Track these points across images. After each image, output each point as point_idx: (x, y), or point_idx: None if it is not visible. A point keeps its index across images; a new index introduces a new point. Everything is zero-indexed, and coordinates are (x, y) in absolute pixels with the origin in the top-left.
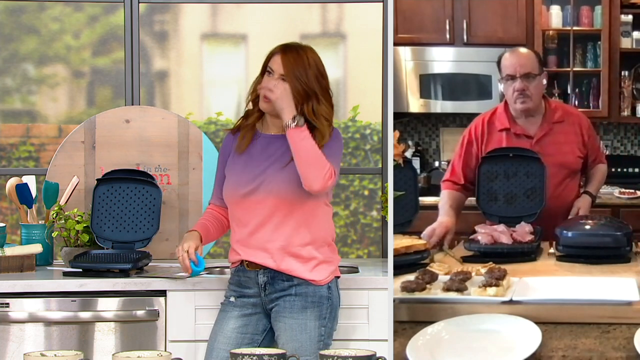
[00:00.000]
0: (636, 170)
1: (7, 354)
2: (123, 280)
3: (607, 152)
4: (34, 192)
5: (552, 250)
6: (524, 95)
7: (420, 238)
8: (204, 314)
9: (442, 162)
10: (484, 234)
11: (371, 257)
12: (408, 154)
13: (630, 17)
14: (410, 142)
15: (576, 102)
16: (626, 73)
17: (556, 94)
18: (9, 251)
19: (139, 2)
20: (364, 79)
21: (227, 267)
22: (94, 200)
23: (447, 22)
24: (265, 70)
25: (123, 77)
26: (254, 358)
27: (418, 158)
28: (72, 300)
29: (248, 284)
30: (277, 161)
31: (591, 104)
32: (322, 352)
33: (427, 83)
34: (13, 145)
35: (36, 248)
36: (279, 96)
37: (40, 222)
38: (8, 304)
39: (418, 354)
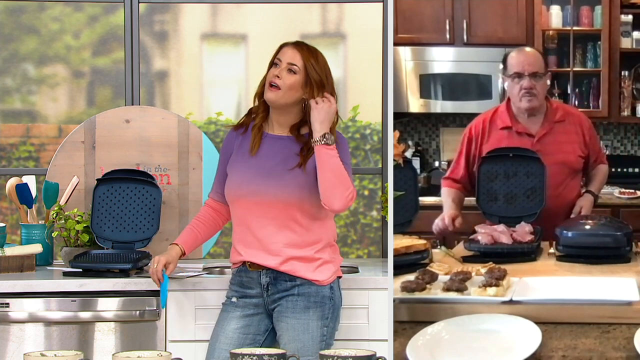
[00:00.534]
0: (636, 170)
1: (7, 354)
2: (123, 280)
3: (607, 152)
4: (34, 192)
5: (552, 250)
6: (531, 94)
7: (420, 238)
8: (204, 314)
9: (442, 162)
10: (484, 234)
11: (371, 257)
12: (408, 154)
13: (630, 17)
14: (410, 142)
15: (576, 102)
16: (626, 73)
17: (556, 94)
18: (9, 251)
19: (139, 2)
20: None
21: (228, 267)
22: (94, 200)
23: (447, 22)
24: (272, 64)
25: (123, 77)
26: (254, 358)
27: (418, 158)
28: (72, 300)
29: (250, 285)
30: (282, 162)
31: (591, 104)
32: (322, 352)
33: (427, 83)
34: (13, 145)
35: (36, 248)
36: (324, 108)
37: (40, 222)
38: (8, 304)
39: (418, 354)
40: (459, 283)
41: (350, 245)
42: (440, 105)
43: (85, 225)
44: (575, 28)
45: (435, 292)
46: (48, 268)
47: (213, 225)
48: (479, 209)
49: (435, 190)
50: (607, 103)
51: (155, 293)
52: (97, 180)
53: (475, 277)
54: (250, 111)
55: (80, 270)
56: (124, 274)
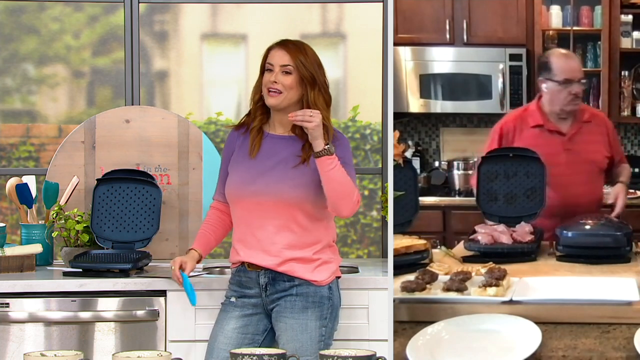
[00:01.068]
0: (636, 170)
1: (7, 354)
2: (123, 280)
3: None
4: (34, 192)
5: (552, 250)
6: (577, 98)
7: (420, 238)
8: (204, 314)
9: (442, 162)
10: (484, 234)
11: (371, 257)
12: (408, 154)
13: (630, 17)
14: (410, 142)
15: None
16: (626, 73)
17: None
18: (9, 251)
19: (139, 2)
20: (364, 79)
21: (227, 267)
22: (94, 200)
23: (447, 22)
24: (263, 69)
25: (123, 77)
26: (254, 358)
27: (418, 158)
28: (72, 300)
29: (249, 285)
30: (282, 162)
31: (591, 104)
32: (322, 352)
33: (427, 83)
34: (13, 145)
35: (36, 248)
36: (318, 123)
37: (40, 222)
38: (8, 304)
39: (418, 354)
40: (459, 283)
41: (350, 245)
42: (440, 105)
43: (85, 225)
44: (575, 28)
45: (435, 292)
46: (48, 268)
47: (223, 227)
48: (479, 209)
49: (435, 190)
50: (607, 103)
51: (155, 293)
52: (97, 180)
53: (475, 277)
54: (249, 114)
55: (80, 270)
56: (124, 274)
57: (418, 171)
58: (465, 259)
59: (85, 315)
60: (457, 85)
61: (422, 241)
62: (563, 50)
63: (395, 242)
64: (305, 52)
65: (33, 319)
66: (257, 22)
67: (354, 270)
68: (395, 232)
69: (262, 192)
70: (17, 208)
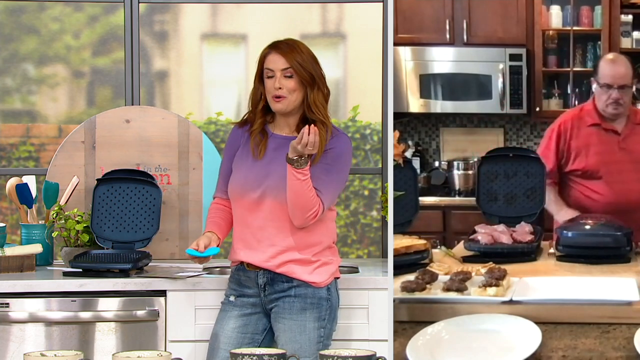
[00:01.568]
0: None
1: (7, 354)
2: (123, 280)
3: None
4: (34, 192)
5: (552, 250)
6: (617, 104)
7: (420, 238)
8: (204, 314)
9: (442, 162)
10: (484, 234)
11: (371, 257)
12: (408, 154)
13: (630, 17)
14: (410, 142)
15: (576, 102)
16: None
17: (556, 94)
18: (9, 251)
19: (139, 2)
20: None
21: (227, 267)
22: (94, 200)
23: (447, 22)
24: (261, 74)
25: (123, 77)
26: (254, 358)
27: (418, 158)
28: (72, 300)
29: (248, 284)
30: (285, 163)
31: None
32: (322, 352)
33: (427, 83)
34: (13, 145)
35: (36, 248)
36: (304, 140)
37: (40, 222)
38: (8, 304)
39: (418, 354)
40: (459, 283)
41: (350, 245)
42: (440, 105)
43: (85, 225)
44: (575, 28)
45: (435, 292)
46: (48, 268)
47: (227, 220)
48: (479, 209)
49: (435, 190)
50: None
51: (155, 293)
52: (97, 180)
53: (475, 277)
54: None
55: (80, 270)
56: (124, 274)
57: (418, 171)
58: (465, 259)
59: (85, 315)
60: (457, 85)
61: (422, 241)
62: (612, 55)
63: (395, 242)
64: (300, 51)
65: (33, 319)
66: (257, 22)
67: (354, 270)
68: (395, 232)
69: (263, 193)
70: (17, 208)
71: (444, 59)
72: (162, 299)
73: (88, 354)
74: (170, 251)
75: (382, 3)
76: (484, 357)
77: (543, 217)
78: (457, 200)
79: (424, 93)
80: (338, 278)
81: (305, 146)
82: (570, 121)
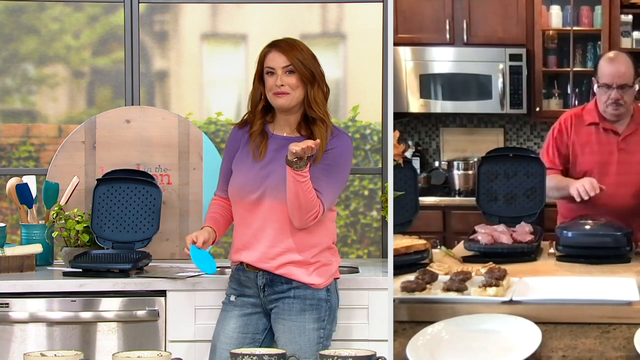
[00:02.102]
0: None
1: (9, 354)
2: (123, 281)
3: None
4: (34, 192)
5: (552, 250)
6: (617, 104)
7: (420, 238)
8: (204, 314)
9: (442, 162)
10: (484, 234)
11: (371, 257)
12: (408, 154)
13: (630, 17)
14: (410, 142)
15: (576, 102)
16: None
17: (556, 94)
18: (9, 251)
19: (139, 2)
20: (364, 79)
21: (227, 267)
22: (94, 200)
23: (447, 22)
24: (260, 74)
25: (123, 77)
26: (254, 358)
27: (418, 158)
28: (72, 301)
29: (247, 284)
30: (285, 164)
31: None
32: (322, 352)
33: (427, 83)
34: (13, 145)
35: (36, 248)
36: (306, 144)
37: (40, 222)
38: (8, 304)
39: (418, 354)
40: (459, 283)
41: (350, 245)
42: (440, 105)
43: (85, 225)
44: (575, 28)
45: (435, 292)
46: (48, 268)
47: (226, 218)
48: (479, 209)
49: (435, 190)
50: None
51: (155, 293)
52: (97, 180)
53: (475, 277)
54: (249, 115)
55: (80, 270)
56: (124, 274)
57: (418, 171)
58: (465, 259)
59: (85, 315)
60: (457, 85)
61: (422, 241)
62: (612, 54)
63: (395, 242)
64: (300, 49)
65: (33, 319)
66: (257, 22)
67: (354, 270)
68: (395, 232)
69: (264, 194)
70: (17, 208)
71: (444, 59)
72: (162, 299)
73: (89, 354)
74: (170, 251)
75: (382, 3)
76: (484, 357)
77: (543, 217)
78: (457, 200)
79: (424, 93)
80: (338, 278)
81: (304, 149)
82: (570, 119)
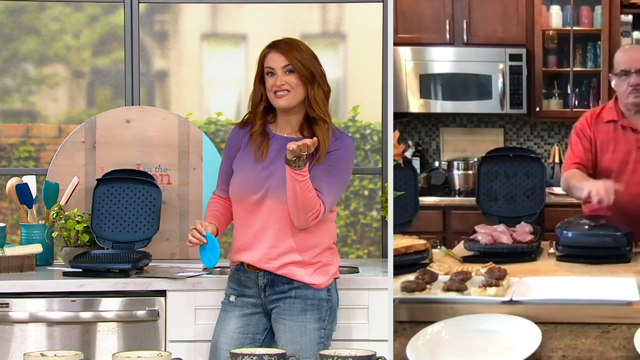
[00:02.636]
0: None
1: (9, 354)
2: (123, 281)
3: None
4: (34, 192)
5: (552, 250)
6: (638, 90)
7: (420, 238)
8: (204, 314)
9: (442, 162)
10: (484, 234)
11: (371, 257)
12: (408, 154)
13: (630, 17)
14: (410, 142)
15: (576, 102)
16: None
17: (556, 94)
18: (9, 251)
19: (139, 2)
20: (364, 79)
21: (227, 267)
22: (94, 200)
23: (447, 22)
24: (261, 75)
25: (123, 77)
26: (254, 358)
27: (418, 158)
28: (72, 301)
29: (248, 284)
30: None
31: (591, 104)
32: (322, 352)
33: (427, 83)
34: (13, 145)
35: (36, 248)
36: (303, 142)
37: (40, 222)
38: (8, 304)
39: (418, 354)
40: (459, 283)
41: (350, 245)
42: (440, 105)
43: (85, 225)
44: (575, 28)
45: (435, 292)
46: (48, 268)
47: (227, 212)
48: (479, 209)
49: (435, 190)
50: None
51: (155, 293)
52: (97, 180)
53: (475, 277)
54: (249, 116)
55: (80, 270)
56: (124, 274)
57: (418, 171)
58: (465, 259)
59: (86, 315)
60: (457, 85)
61: (422, 241)
62: (626, 46)
63: (395, 242)
64: (300, 49)
65: (33, 319)
66: (257, 22)
67: (354, 270)
68: (395, 232)
69: (265, 195)
70: (17, 208)
71: (444, 59)
72: (162, 299)
73: (89, 354)
74: (170, 251)
75: (382, 3)
76: (484, 357)
77: (543, 217)
78: (457, 200)
79: (424, 93)
80: (337, 278)
81: (300, 147)
82: (590, 118)
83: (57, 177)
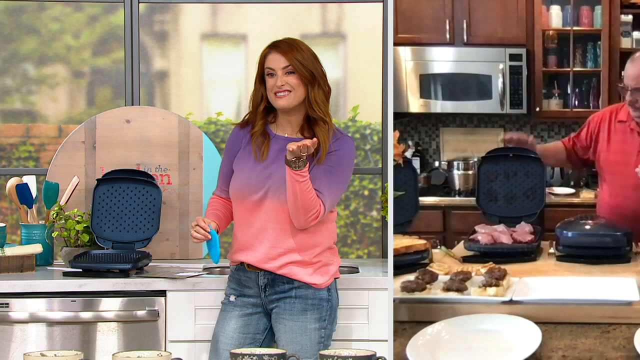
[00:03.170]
0: None
1: (9, 354)
2: (123, 281)
3: None
4: (34, 192)
5: (552, 250)
6: (635, 108)
7: (420, 238)
8: (204, 314)
9: (442, 162)
10: (484, 234)
11: (371, 257)
12: (408, 154)
13: (630, 17)
14: (410, 142)
15: (576, 102)
16: None
17: (556, 94)
18: (9, 251)
19: (139, 2)
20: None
21: (227, 267)
22: (94, 200)
23: (447, 22)
24: (261, 75)
25: (123, 77)
26: (254, 358)
27: (418, 158)
28: (72, 301)
29: (248, 284)
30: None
31: (591, 104)
32: (322, 352)
33: (427, 83)
34: (13, 145)
35: (36, 248)
36: (302, 143)
37: (40, 222)
38: (8, 304)
39: (418, 354)
40: (459, 283)
41: (350, 245)
42: (440, 105)
43: (85, 225)
44: (575, 28)
45: (435, 292)
46: (48, 268)
47: (227, 211)
48: (479, 209)
49: (435, 190)
50: (607, 103)
51: (155, 293)
52: (98, 180)
53: (475, 277)
54: (249, 118)
55: (80, 270)
56: (124, 274)
57: (418, 171)
58: (465, 259)
59: (86, 315)
60: (457, 85)
61: (422, 241)
62: (637, 54)
63: (395, 242)
64: (300, 49)
65: (33, 319)
66: (257, 22)
67: (354, 270)
68: (395, 232)
69: (265, 195)
70: (17, 208)
71: (444, 59)
72: (162, 299)
73: (89, 354)
74: (170, 251)
75: (382, 3)
76: (484, 357)
77: (543, 217)
78: (457, 200)
79: (424, 93)
80: (337, 278)
81: (299, 147)
82: (609, 113)
83: (57, 177)
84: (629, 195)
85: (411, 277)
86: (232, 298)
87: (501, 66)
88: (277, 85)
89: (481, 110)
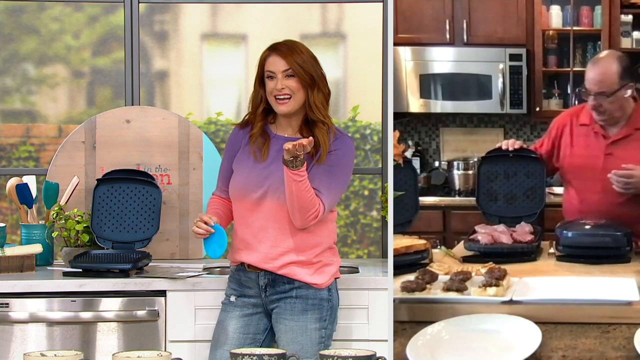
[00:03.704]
0: None
1: (9, 354)
2: (123, 281)
3: None
4: (34, 192)
5: (552, 250)
6: (598, 112)
7: (420, 238)
8: (204, 314)
9: (442, 162)
10: (484, 234)
11: (371, 257)
12: (408, 154)
13: (630, 17)
14: (410, 142)
15: (576, 102)
16: None
17: (556, 94)
18: (9, 251)
19: (139, 2)
20: (364, 79)
21: (227, 267)
22: (94, 200)
23: (447, 22)
24: (261, 77)
25: (123, 77)
26: (254, 358)
27: (418, 158)
28: (72, 301)
29: (249, 284)
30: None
31: None
32: (322, 352)
33: (427, 83)
34: (13, 145)
35: (36, 248)
36: (297, 143)
37: (40, 222)
38: (8, 304)
39: (418, 354)
40: (459, 283)
41: (350, 245)
42: (440, 105)
43: (85, 225)
44: (575, 28)
45: (435, 292)
46: (48, 268)
47: (227, 210)
48: (479, 209)
49: (435, 190)
50: None
51: (155, 293)
52: (98, 180)
53: (475, 277)
54: (249, 119)
55: (80, 270)
56: (124, 274)
57: (418, 171)
58: (465, 259)
59: (85, 315)
60: (457, 85)
61: (422, 241)
62: (602, 54)
63: (395, 242)
64: (300, 52)
65: (33, 319)
66: (257, 22)
67: (354, 270)
68: (395, 232)
69: (265, 194)
70: (17, 208)
71: (444, 59)
72: (162, 299)
73: (89, 354)
74: (170, 251)
75: (382, 3)
76: (484, 357)
77: (543, 217)
78: (457, 200)
79: (424, 93)
80: (338, 278)
81: (295, 146)
82: (569, 117)
83: (57, 177)
84: (598, 200)
85: (411, 277)
86: (232, 298)
87: (501, 66)
88: (277, 89)
89: (481, 110)
